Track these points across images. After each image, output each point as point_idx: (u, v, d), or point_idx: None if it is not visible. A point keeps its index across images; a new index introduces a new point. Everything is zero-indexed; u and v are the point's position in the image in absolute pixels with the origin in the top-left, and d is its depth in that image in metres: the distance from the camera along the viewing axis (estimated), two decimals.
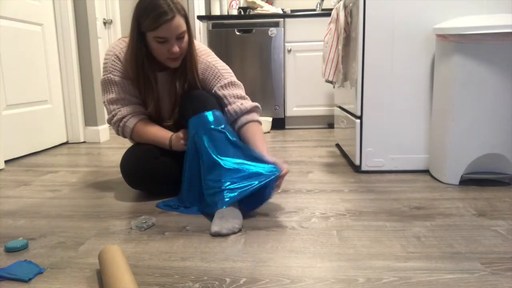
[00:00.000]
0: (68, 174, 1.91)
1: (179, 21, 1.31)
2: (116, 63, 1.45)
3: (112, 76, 1.45)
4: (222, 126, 1.32)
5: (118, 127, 1.48)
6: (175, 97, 1.49)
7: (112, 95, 1.46)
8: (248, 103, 1.46)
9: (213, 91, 1.47)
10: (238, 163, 1.26)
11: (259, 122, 1.47)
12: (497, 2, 1.61)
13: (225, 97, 1.45)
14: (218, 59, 1.53)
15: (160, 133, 1.46)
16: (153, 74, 1.44)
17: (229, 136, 1.31)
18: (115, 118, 1.47)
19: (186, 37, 1.37)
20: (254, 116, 1.46)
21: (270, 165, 1.26)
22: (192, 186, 1.35)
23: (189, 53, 1.42)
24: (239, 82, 1.51)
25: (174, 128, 1.50)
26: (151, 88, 1.45)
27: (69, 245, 1.10)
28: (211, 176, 1.26)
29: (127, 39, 1.43)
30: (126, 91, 1.46)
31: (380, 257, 0.99)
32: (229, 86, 1.47)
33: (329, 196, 1.48)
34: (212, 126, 1.31)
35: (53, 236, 1.17)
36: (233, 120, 1.45)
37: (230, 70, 1.52)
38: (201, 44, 1.55)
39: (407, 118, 1.73)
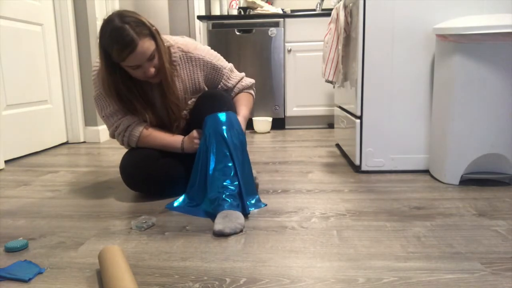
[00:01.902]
0: (68, 174, 1.91)
1: (144, 45, 1.26)
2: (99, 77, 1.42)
3: (102, 91, 1.42)
4: (234, 128, 1.34)
5: (124, 137, 1.45)
6: (171, 107, 1.46)
7: (109, 109, 1.44)
8: (245, 82, 1.60)
9: (221, 83, 1.55)
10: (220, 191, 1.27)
11: (251, 94, 1.62)
12: (497, 2, 1.61)
13: (234, 86, 1.57)
14: (205, 48, 1.52)
15: (170, 138, 1.46)
16: (138, 92, 1.41)
17: (232, 145, 1.32)
18: (119, 129, 1.45)
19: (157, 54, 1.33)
20: (249, 89, 1.63)
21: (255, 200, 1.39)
22: (203, 183, 1.35)
23: (162, 70, 1.36)
24: (229, 65, 1.58)
25: (184, 131, 1.51)
26: (136, 107, 1.42)
27: (69, 245, 1.10)
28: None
29: None
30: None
31: (380, 257, 0.99)
32: (230, 76, 1.56)
33: (329, 196, 1.48)
34: (224, 127, 1.32)
35: (53, 236, 1.17)
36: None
37: (217, 54, 1.56)
38: (185, 39, 1.51)
39: (407, 118, 1.73)
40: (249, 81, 1.62)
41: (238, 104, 1.52)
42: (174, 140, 1.46)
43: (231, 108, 1.42)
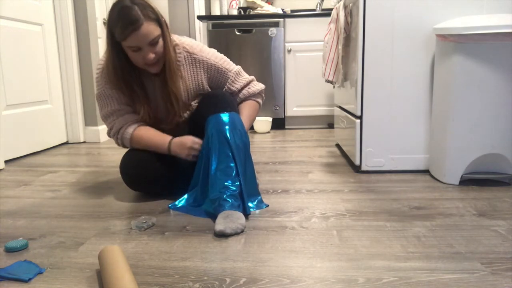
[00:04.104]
0: (68, 174, 1.91)
1: (148, 28, 1.26)
2: (103, 75, 1.42)
3: (105, 90, 1.43)
4: (237, 129, 1.34)
5: (117, 139, 1.46)
6: (170, 100, 1.44)
7: (107, 108, 1.44)
8: (253, 88, 1.57)
9: (225, 87, 1.53)
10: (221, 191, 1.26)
11: (257, 102, 1.59)
12: (497, 2, 1.61)
13: (238, 91, 1.55)
14: (210, 51, 1.51)
15: (157, 137, 1.43)
16: (138, 80, 1.41)
17: (235, 146, 1.31)
18: (113, 130, 1.45)
19: (161, 42, 1.33)
20: (256, 97, 1.59)
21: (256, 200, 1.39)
22: (205, 183, 1.35)
23: (167, 57, 1.36)
24: (237, 67, 1.55)
25: (179, 130, 1.50)
26: (137, 95, 1.42)
27: (69, 245, 1.10)
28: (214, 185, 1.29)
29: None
30: (120, 102, 1.43)
31: (380, 257, 0.99)
32: (236, 80, 1.53)
33: (329, 196, 1.48)
34: (227, 127, 1.32)
35: (53, 236, 1.17)
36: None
37: (223, 57, 1.54)
38: (191, 40, 1.51)
39: (407, 118, 1.73)
40: (257, 88, 1.58)
41: (240, 114, 1.48)
42: (162, 140, 1.42)
43: (234, 108, 1.41)
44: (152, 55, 1.31)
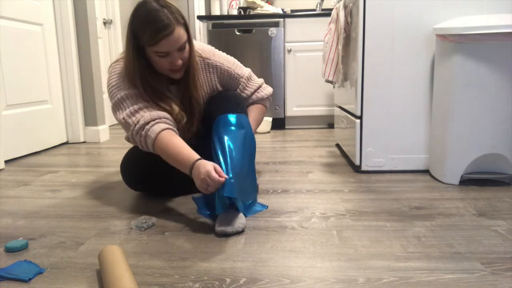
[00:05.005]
0: (68, 174, 1.91)
1: (179, 32, 1.22)
2: (125, 80, 1.33)
3: (125, 92, 1.31)
4: (243, 130, 1.33)
5: (141, 136, 1.26)
6: (189, 106, 1.39)
7: (130, 108, 1.29)
8: (262, 92, 1.59)
9: (237, 91, 1.54)
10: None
11: (264, 106, 1.63)
12: (497, 2, 1.61)
13: (248, 97, 1.57)
14: (221, 54, 1.51)
15: (184, 153, 1.20)
16: (161, 84, 1.35)
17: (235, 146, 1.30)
18: (136, 127, 1.26)
19: (187, 47, 1.29)
20: (264, 101, 1.62)
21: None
22: None
23: (191, 62, 1.33)
24: (247, 70, 1.56)
25: (196, 138, 1.47)
26: (164, 96, 1.34)
27: (69, 245, 1.10)
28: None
29: (121, 62, 1.36)
30: (148, 100, 1.31)
31: (380, 257, 0.99)
32: (247, 86, 1.55)
33: (329, 196, 1.48)
34: (233, 128, 1.32)
35: (53, 236, 1.17)
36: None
37: (235, 61, 1.54)
38: (201, 44, 1.52)
39: (407, 118, 1.73)
40: (265, 92, 1.59)
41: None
42: (187, 157, 1.19)
43: (243, 110, 1.42)
44: (180, 61, 1.27)
